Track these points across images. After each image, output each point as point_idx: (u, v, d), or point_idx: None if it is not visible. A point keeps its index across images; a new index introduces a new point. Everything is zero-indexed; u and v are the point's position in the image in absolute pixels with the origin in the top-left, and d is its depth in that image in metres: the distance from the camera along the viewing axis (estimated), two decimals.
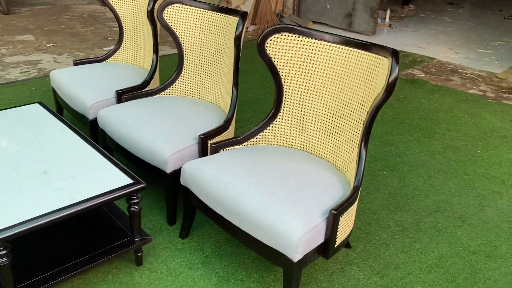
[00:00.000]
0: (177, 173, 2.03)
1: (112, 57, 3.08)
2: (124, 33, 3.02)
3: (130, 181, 1.76)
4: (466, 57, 5.09)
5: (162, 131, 2.11)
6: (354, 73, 1.85)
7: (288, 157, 1.94)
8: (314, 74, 1.97)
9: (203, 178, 1.81)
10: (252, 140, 2.10)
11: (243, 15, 2.11)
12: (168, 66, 4.29)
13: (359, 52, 1.82)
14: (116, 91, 2.56)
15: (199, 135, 2.09)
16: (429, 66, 4.67)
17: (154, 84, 2.80)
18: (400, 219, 2.29)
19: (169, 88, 2.59)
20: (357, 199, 1.75)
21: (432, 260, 2.04)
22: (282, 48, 1.97)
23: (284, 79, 2.02)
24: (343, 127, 1.93)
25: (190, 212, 2.00)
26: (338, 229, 1.66)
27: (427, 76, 4.38)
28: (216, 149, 2.03)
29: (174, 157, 2.01)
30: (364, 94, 1.81)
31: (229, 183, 1.73)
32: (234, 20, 2.23)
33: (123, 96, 2.51)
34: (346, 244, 2.08)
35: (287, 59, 1.98)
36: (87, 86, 2.61)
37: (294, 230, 1.54)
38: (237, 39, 2.08)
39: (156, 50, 2.75)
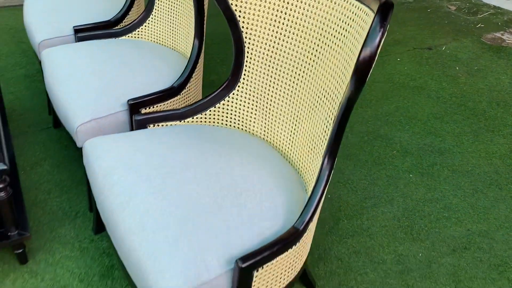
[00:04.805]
0: None
1: None
2: None
3: None
4: None
5: (87, 89, 1.56)
6: (331, 35, 1.14)
7: (233, 150, 1.32)
8: (285, 30, 1.28)
9: (94, 168, 1.26)
10: (198, 116, 1.49)
11: None
12: None
13: None
14: (73, 27, 2.03)
15: (127, 101, 1.52)
16: None
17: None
18: (405, 254, 1.60)
19: (137, 30, 2.02)
20: (300, 240, 1.10)
21: None
22: None
23: (246, 34, 1.35)
24: (314, 119, 1.25)
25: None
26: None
27: None
28: (142, 123, 1.45)
29: (86, 127, 1.47)
30: (341, 72, 1.11)
31: (116, 185, 1.17)
32: None
33: (77, 35, 1.99)
34: (307, 282, 1.46)
35: (251, 5, 1.31)
36: (45, 17, 2.11)
37: (168, 283, 0.96)
38: None
39: None
